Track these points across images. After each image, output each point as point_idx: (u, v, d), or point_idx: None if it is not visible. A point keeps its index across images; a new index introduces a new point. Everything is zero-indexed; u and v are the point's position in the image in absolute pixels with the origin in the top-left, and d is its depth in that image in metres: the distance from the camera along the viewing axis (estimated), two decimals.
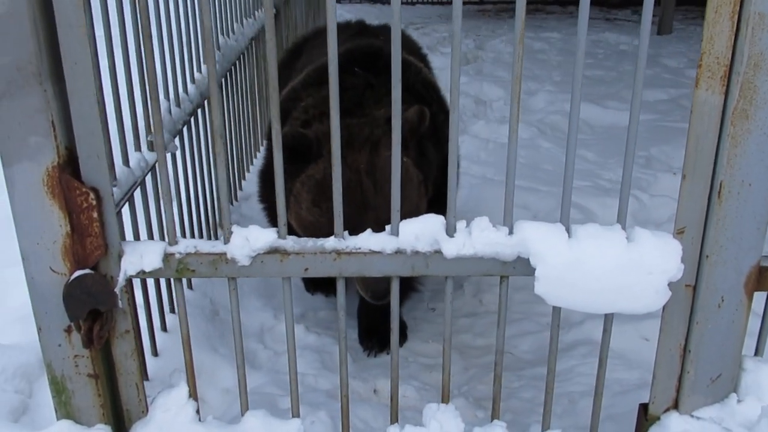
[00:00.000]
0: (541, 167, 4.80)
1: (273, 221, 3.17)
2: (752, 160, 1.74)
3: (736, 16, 1.65)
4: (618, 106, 6.10)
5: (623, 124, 5.75)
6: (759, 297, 1.93)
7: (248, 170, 4.50)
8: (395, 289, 1.95)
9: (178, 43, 3.12)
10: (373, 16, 9.87)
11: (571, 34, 9.15)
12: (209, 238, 3.45)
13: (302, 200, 2.62)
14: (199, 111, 3.31)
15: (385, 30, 3.90)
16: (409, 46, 3.66)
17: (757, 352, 2.03)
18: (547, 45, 8.54)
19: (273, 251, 1.89)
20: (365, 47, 2.99)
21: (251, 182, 4.28)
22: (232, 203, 3.92)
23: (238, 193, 4.24)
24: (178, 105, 3.01)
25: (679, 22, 9.61)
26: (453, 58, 1.73)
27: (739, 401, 1.95)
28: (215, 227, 3.57)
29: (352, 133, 2.55)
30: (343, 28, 3.67)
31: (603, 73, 7.09)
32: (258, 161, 4.53)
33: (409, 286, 2.85)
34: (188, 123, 3.14)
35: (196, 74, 3.32)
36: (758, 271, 1.86)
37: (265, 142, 4.26)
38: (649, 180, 4.48)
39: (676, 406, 2.02)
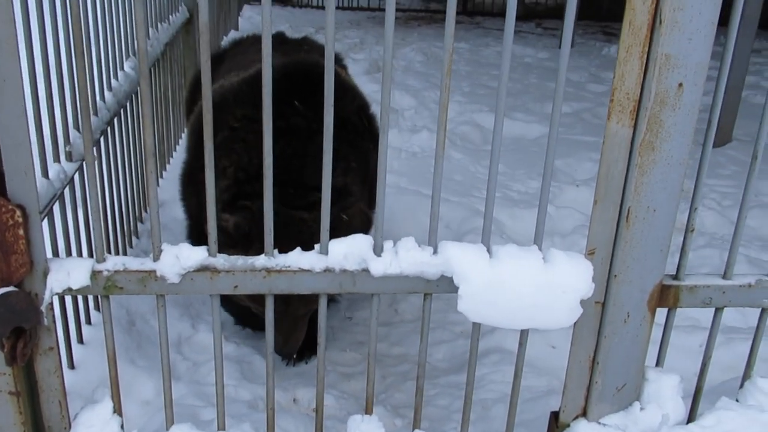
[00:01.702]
0: (451, 177, 4.94)
1: (192, 218, 3.18)
2: (657, 188, 1.89)
3: (645, 56, 1.79)
4: (524, 117, 6.32)
5: (530, 137, 5.99)
6: (661, 312, 2.08)
7: (162, 176, 4.45)
8: (323, 305, 2.01)
9: (96, 50, 3.07)
10: (283, 19, 9.86)
11: (478, 45, 9.39)
12: (124, 247, 3.41)
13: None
14: (115, 120, 3.27)
15: (306, 42, 3.95)
16: (337, 59, 3.73)
17: (658, 363, 2.19)
18: (456, 55, 8.74)
19: (203, 269, 1.92)
20: (300, 66, 2.95)
21: (164, 189, 4.24)
22: (144, 211, 3.88)
23: None
24: (96, 113, 2.97)
25: (580, 37, 10.02)
26: (384, 83, 1.80)
27: (641, 409, 2.11)
28: (130, 236, 3.53)
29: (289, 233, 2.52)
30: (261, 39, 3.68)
31: (510, 85, 7.29)
32: (173, 168, 4.49)
33: (331, 298, 2.93)
34: (105, 132, 3.10)
35: (113, 81, 3.28)
36: (660, 289, 2.02)
37: (185, 139, 4.22)
38: (555, 192, 4.68)
39: (584, 413, 2.15)
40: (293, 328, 2.84)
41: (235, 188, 2.70)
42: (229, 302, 3.19)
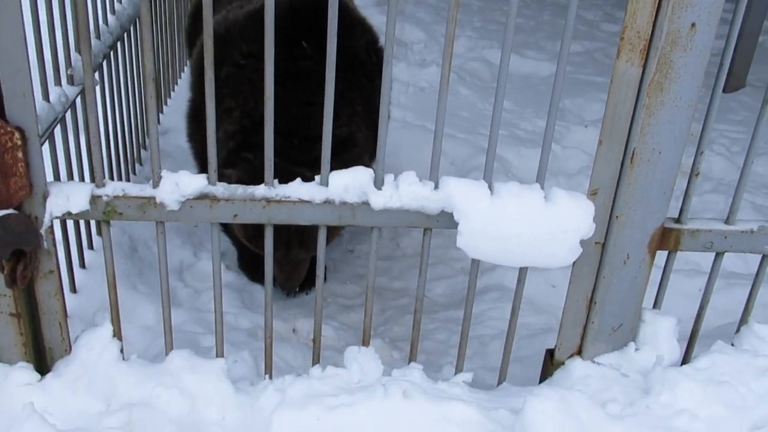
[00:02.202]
0: (458, 114, 4.89)
1: (199, 158, 3.15)
2: (663, 130, 1.86)
3: None
4: (536, 55, 6.22)
5: (541, 75, 5.91)
6: (661, 255, 2.08)
7: (166, 104, 4.41)
8: (322, 237, 2.01)
9: None
10: None
11: None
12: (127, 173, 3.40)
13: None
14: (119, 44, 3.22)
15: None
16: None
17: (656, 305, 2.20)
18: None
19: (203, 197, 1.91)
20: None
21: (168, 116, 4.21)
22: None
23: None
24: (99, 37, 2.93)
25: None
26: (389, 11, 1.76)
27: (636, 350, 2.12)
28: (133, 163, 3.52)
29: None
30: None
31: (522, 22, 7.19)
32: (177, 96, 4.45)
33: (336, 233, 2.93)
34: (108, 56, 3.06)
35: (117, 4, 3.22)
36: (662, 232, 2.01)
37: (187, 74, 4.15)
38: (562, 132, 4.64)
39: (579, 352, 2.17)
40: (295, 268, 2.86)
41: (240, 136, 2.65)
42: (242, 260, 3.20)
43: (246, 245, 2.86)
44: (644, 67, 1.80)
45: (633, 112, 1.86)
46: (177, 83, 4.68)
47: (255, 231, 2.67)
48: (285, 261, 2.79)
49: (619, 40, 1.79)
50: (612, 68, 1.84)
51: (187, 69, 4.44)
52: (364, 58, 2.88)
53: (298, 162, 2.54)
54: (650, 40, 1.78)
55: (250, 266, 3.16)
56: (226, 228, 3.04)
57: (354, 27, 2.90)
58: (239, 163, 2.57)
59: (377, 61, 2.94)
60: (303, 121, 2.62)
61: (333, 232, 2.83)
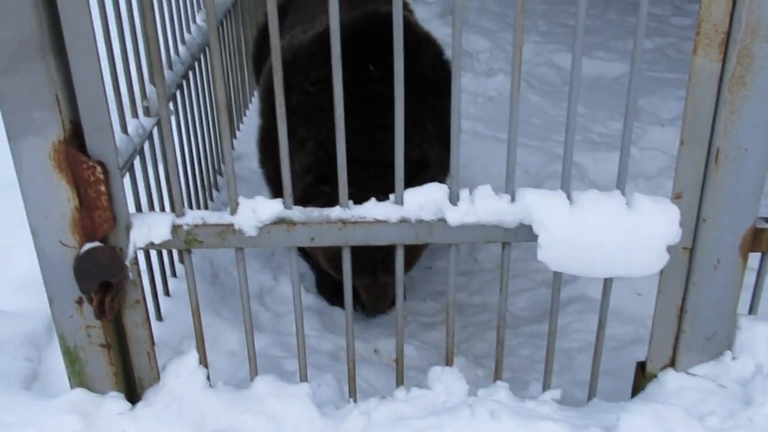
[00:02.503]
0: (529, 121, 4.82)
1: (272, 184, 3.17)
2: (748, 126, 1.78)
3: None
4: (604, 56, 6.09)
5: (611, 75, 5.78)
6: (754, 256, 1.99)
7: (239, 128, 4.49)
8: (400, 256, 1.99)
9: (167, 4, 3.09)
10: None
11: None
12: (205, 200, 3.47)
13: None
14: (190, 73, 3.29)
15: None
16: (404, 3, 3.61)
17: (752, 310, 2.10)
18: None
19: (279, 221, 1.92)
20: (372, 20, 2.78)
21: (242, 141, 4.28)
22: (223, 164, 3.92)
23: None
24: (170, 67, 3.00)
25: None
26: (454, 24, 1.74)
27: (733, 359, 2.03)
28: (210, 189, 3.58)
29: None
30: None
31: (589, 22, 7.05)
32: (249, 120, 4.52)
33: (418, 254, 2.91)
34: (180, 86, 3.13)
35: (186, 35, 3.30)
36: (753, 232, 1.92)
37: (257, 103, 4.21)
38: (639, 133, 4.52)
39: (672, 363, 2.09)
40: (382, 292, 2.87)
41: (317, 169, 2.65)
42: (321, 284, 3.22)
43: (327, 271, 2.87)
44: (724, 61, 1.73)
45: (715, 110, 1.79)
46: (248, 107, 4.76)
47: (338, 256, 2.69)
48: (372, 287, 2.80)
49: (695, 35, 1.73)
50: (686, 63, 1.77)
51: (256, 94, 4.51)
52: (430, 75, 2.85)
53: (375, 190, 2.49)
54: (728, 33, 1.71)
55: (330, 290, 3.17)
56: (305, 252, 3.05)
57: (419, 44, 2.89)
58: (318, 197, 2.57)
59: (444, 76, 2.91)
60: (376, 147, 2.60)
61: (415, 253, 2.81)
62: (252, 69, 4.04)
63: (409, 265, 2.81)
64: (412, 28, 2.89)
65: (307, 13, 3.41)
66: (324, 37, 2.74)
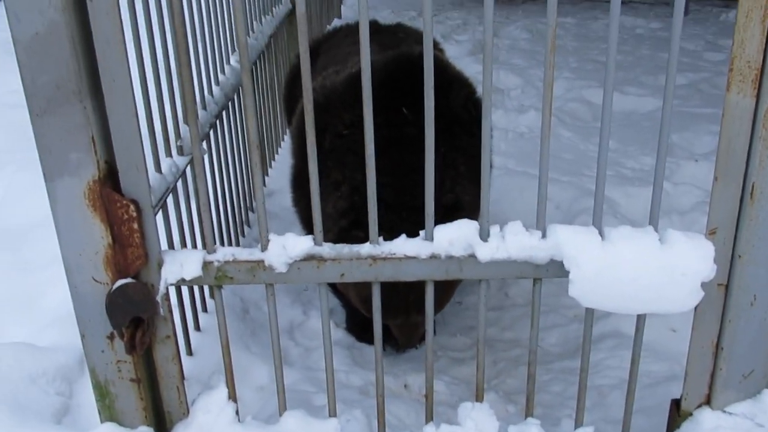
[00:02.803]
0: (560, 156, 4.81)
1: (305, 224, 3.17)
2: None
3: (767, 20, 1.66)
4: (636, 91, 6.07)
5: (642, 111, 5.76)
6: None
7: (271, 166, 4.53)
8: (430, 292, 1.99)
9: (202, 46, 3.15)
10: (383, 4, 9.83)
11: (586, 18, 9.08)
12: (236, 236, 3.50)
13: None
14: (224, 113, 3.34)
15: (400, 29, 3.87)
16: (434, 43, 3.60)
17: None
18: (562, 30, 8.50)
19: (309, 258, 1.93)
20: (404, 61, 2.77)
21: (274, 178, 4.32)
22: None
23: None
24: (204, 108, 3.04)
25: (695, 3, 9.52)
26: (485, 62, 1.75)
27: None
28: (242, 225, 3.61)
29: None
30: (355, 30, 3.56)
31: (620, 58, 7.05)
32: (281, 158, 4.57)
33: (450, 293, 2.89)
34: (214, 125, 3.17)
35: (220, 76, 3.35)
36: None
37: (288, 140, 4.25)
38: (672, 168, 4.48)
39: (708, 401, 2.04)
40: (415, 330, 2.87)
41: (351, 215, 2.65)
42: (351, 321, 3.23)
43: (358, 310, 2.87)
44: (758, 97, 1.72)
45: (749, 146, 1.77)
46: (280, 146, 4.81)
47: (370, 296, 2.70)
48: (404, 326, 2.81)
49: (728, 72, 1.72)
50: (719, 98, 1.77)
51: (287, 136, 4.55)
52: (462, 115, 2.83)
53: (408, 234, 2.49)
54: (762, 69, 1.70)
55: (359, 327, 3.16)
56: (336, 289, 3.05)
57: (450, 84, 2.88)
58: (351, 242, 2.56)
59: (476, 115, 2.89)
60: (409, 191, 2.58)
61: (446, 293, 2.80)
62: (284, 109, 4.08)
63: (440, 305, 2.79)
64: (443, 68, 2.89)
65: (339, 54, 3.44)
66: (357, 78, 2.61)
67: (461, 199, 2.73)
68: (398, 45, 3.35)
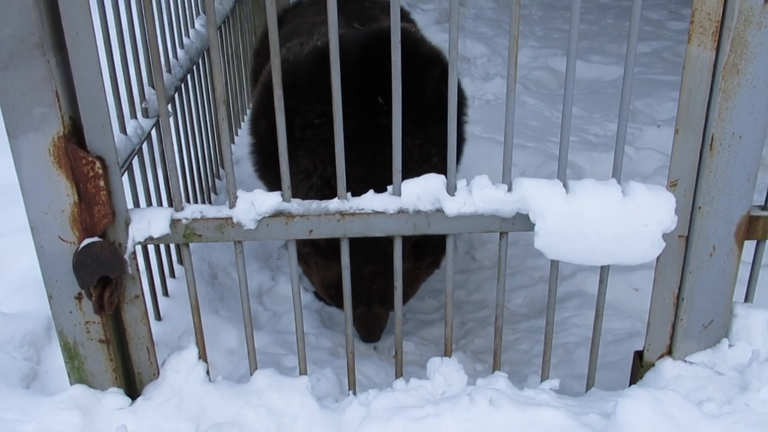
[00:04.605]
0: (526, 123, 4.84)
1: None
2: (743, 113, 1.80)
3: None
4: (601, 60, 6.13)
5: (607, 79, 5.81)
6: (749, 245, 2.00)
7: (237, 134, 4.50)
8: (398, 248, 2.00)
9: (166, 8, 3.11)
10: None
11: None
12: (203, 202, 3.48)
13: None
14: (188, 76, 3.31)
15: None
16: (403, 14, 3.39)
17: (747, 298, 2.11)
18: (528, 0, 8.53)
19: (278, 214, 1.93)
20: (380, 40, 2.44)
21: (240, 147, 4.29)
22: (221, 168, 3.94)
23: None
24: (169, 71, 3.01)
25: None
26: (451, 30, 1.76)
27: (730, 346, 2.04)
28: (209, 192, 3.59)
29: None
30: None
31: (585, 27, 7.10)
32: (246, 127, 4.53)
33: (415, 287, 2.90)
34: (179, 89, 3.14)
35: (185, 39, 3.32)
36: (748, 220, 1.93)
37: (251, 103, 4.19)
38: (635, 133, 4.54)
39: (669, 352, 2.10)
40: (376, 322, 2.87)
41: None
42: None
43: (325, 300, 2.88)
44: (717, 49, 1.75)
45: (709, 98, 1.80)
46: (245, 114, 4.78)
47: (332, 284, 2.71)
48: (365, 317, 2.82)
49: (689, 25, 1.75)
50: (682, 66, 1.79)
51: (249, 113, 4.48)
52: (437, 101, 2.56)
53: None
54: (722, 21, 1.72)
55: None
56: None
57: (426, 63, 2.72)
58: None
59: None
60: (384, 185, 2.54)
61: (413, 284, 2.81)
62: (251, 79, 3.99)
63: (406, 296, 2.77)
64: (416, 46, 2.76)
65: (303, 24, 3.35)
66: (325, 55, 2.26)
67: None
68: (363, 14, 3.27)
